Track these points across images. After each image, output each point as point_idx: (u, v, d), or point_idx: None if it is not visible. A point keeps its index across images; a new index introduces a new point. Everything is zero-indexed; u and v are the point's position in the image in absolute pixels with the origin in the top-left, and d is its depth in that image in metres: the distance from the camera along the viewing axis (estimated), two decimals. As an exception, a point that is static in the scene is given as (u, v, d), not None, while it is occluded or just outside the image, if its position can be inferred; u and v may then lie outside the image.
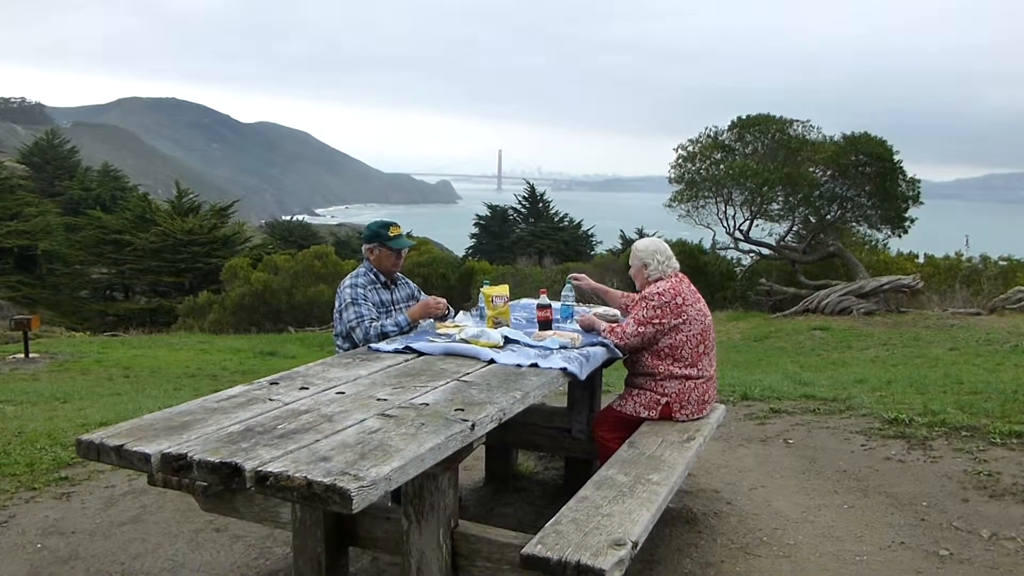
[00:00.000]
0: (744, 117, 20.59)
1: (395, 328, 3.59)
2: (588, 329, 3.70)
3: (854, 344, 10.72)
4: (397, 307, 3.75)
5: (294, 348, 13.66)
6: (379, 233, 3.71)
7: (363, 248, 3.82)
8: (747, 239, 20.22)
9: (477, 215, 43.52)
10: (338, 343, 3.82)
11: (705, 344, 3.54)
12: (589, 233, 40.16)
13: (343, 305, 3.63)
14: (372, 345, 3.34)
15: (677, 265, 3.62)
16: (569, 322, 3.81)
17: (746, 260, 21.70)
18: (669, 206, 20.63)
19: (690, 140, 20.83)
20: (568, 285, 4.01)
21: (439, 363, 3.09)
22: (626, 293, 3.99)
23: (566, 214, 42.68)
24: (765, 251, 20.51)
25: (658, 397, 3.48)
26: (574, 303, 4.07)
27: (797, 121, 20.39)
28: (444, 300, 3.74)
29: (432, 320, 3.73)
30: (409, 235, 3.73)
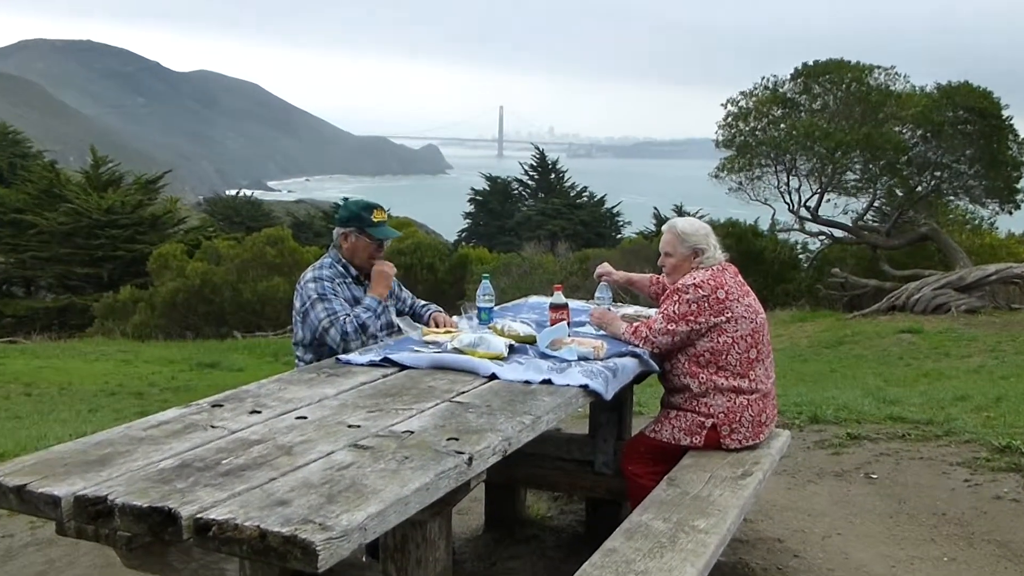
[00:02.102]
0: (811, 64, 20.73)
1: (370, 315, 3.65)
2: (601, 326, 3.73)
3: (953, 351, 10.78)
4: None
5: (241, 359, 13.76)
6: (360, 216, 3.79)
7: (335, 232, 3.87)
8: (815, 218, 20.36)
9: (472, 189, 43.59)
10: (298, 353, 3.84)
11: (758, 349, 3.56)
12: (614, 211, 40.97)
13: (307, 303, 3.68)
14: (341, 357, 3.36)
15: (724, 257, 3.69)
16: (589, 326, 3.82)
17: (814, 245, 21.83)
18: (716, 176, 20.74)
19: (742, 93, 20.87)
20: (603, 287, 4.06)
21: (427, 379, 3.10)
22: (657, 277, 4.04)
23: (585, 187, 43.03)
24: (839, 233, 20.64)
25: (701, 419, 3.52)
26: (609, 305, 4.10)
27: (878, 68, 20.50)
28: (392, 265, 3.83)
29: (416, 325, 3.75)
30: (381, 206, 3.88)
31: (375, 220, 3.80)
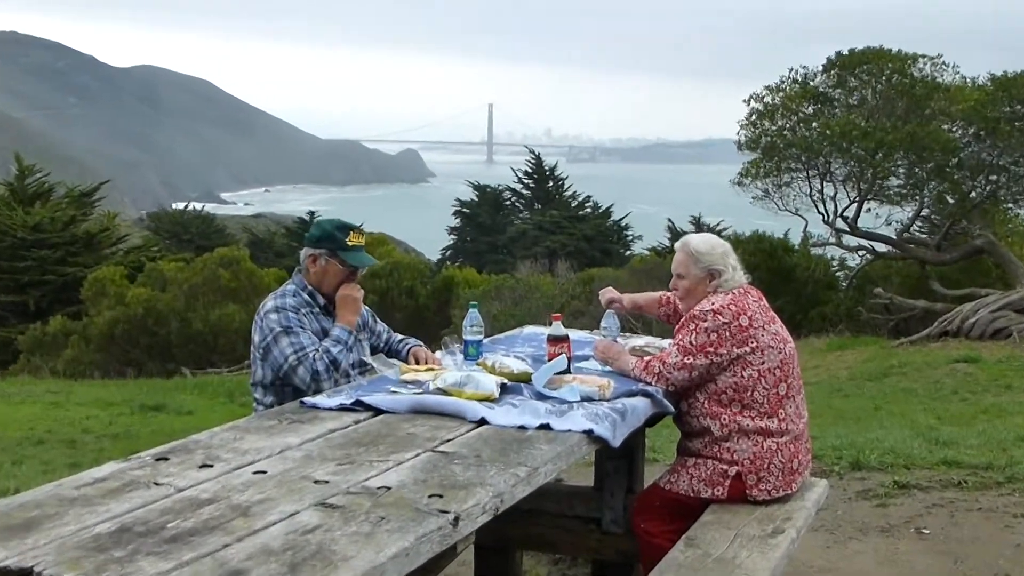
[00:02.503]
0: (847, 52, 20.90)
1: (341, 349, 3.67)
2: (608, 361, 3.76)
3: (1016, 383, 10.84)
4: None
5: (190, 400, 13.74)
6: (332, 236, 3.83)
7: (302, 254, 3.92)
8: (854, 230, 20.46)
9: (458, 200, 43.91)
10: (257, 395, 3.85)
11: (788, 383, 3.59)
12: (622, 224, 41.46)
13: (269, 337, 3.70)
14: (306, 400, 3.36)
15: (745, 279, 3.74)
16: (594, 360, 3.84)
17: (854, 261, 21.95)
18: (739, 183, 20.85)
19: (768, 88, 20.96)
20: (609, 315, 4.09)
21: (405, 425, 3.10)
22: (667, 296, 4.11)
23: (588, 197, 43.43)
24: (881, 247, 20.75)
25: (724, 467, 3.55)
26: (617, 336, 4.13)
27: (924, 57, 20.67)
28: (359, 288, 3.88)
29: (392, 361, 3.76)
30: (359, 228, 3.93)
31: (350, 243, 3.83)
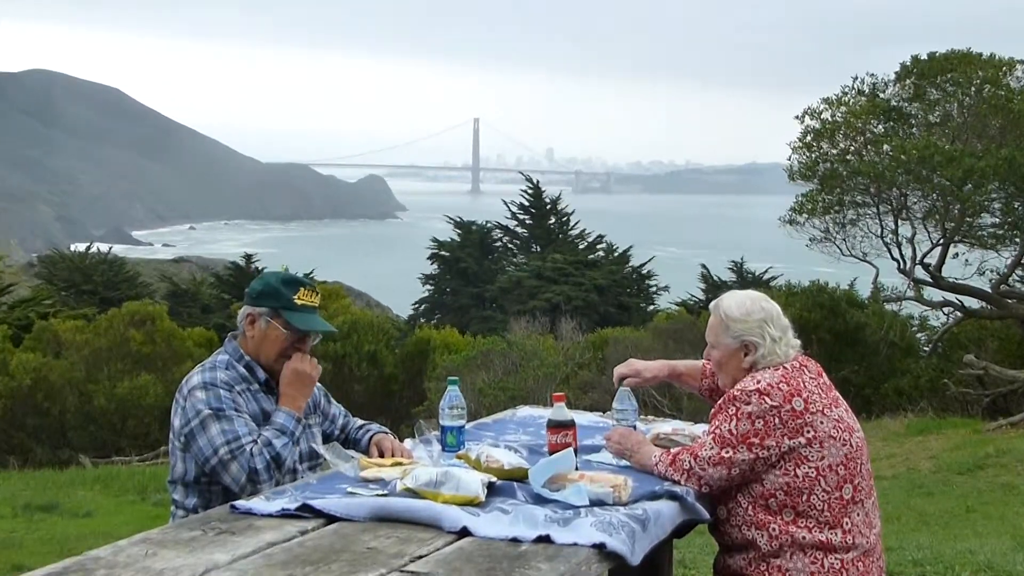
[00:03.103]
0: (926, 57, 20.94)
1: (285, 442, 3.67)
2: (624, 453, 3.76)
3: None
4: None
5: (90, 498, 13.59)
6: (277, 293, 3.86)
7: (240, 314, 3.92)
8: (938, 281, 20.46)
9: (435, 240, 43.99)
10: (176, 496, 3.81)
11: (854, 484, 3.61)
12: (644, 272, 41.36)
13: (194, 422, 3.68)
14: (239, 504, 3.33)
15: (797, 344, 3.75)
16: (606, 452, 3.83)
17: (938, 320, 21.95)
18: (790, 221, 20.92)
19: (827, 101, 20.90)
20: (624, 394, 4.08)
21: (365, 537, 3.07)
22: (707, 363, 4.15)
23: (600, 236, 43.41)
24: (972, 302, 20.67)
25: None
26: (635, 421, 4.11)
27: (1022, 63, 20.70)
28: (315, 363, 3.87)
29: (351, 453, 3.73)
30: (313, 284, 3.98)
31: (299, 302, 3.84)
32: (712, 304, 3.84)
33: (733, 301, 3.78)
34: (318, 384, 3.97)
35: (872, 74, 21.34)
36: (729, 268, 37.11)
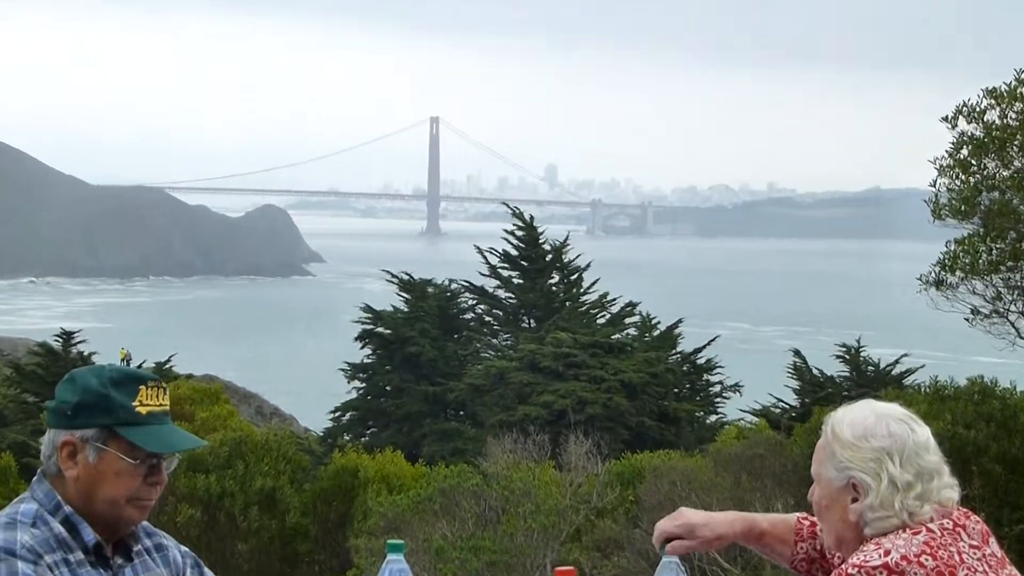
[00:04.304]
0: None
1: None
2: None
3: None
4: None
5: None
6: (107, 401, 3.15)
7: (49, 443, 3.15)
8: None
9: (368, 309, 36.79)
10: None
11: None
12: (701, 362, 35.58)
13: None
14: None
15: (952, 491, 3.03)
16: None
17: None
18: (936, 283, 17.81)
19: (992, 93, 17.61)
20: (668, 566, 3.43)
21: None
22: (810, 520, 3.48)
23: (632, 304, 37.07)
24: None
25: None
26: None
27: None
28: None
29: None
30: (156, 379, 2.56)
31: (143, 410, 3.15)
32: (829, 427, 3.10)
33: (850, 415, 3.08)
34: (180, 547, 3.39)
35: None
36: (838, 356, 30.25)
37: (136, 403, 3.13)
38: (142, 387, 3.16)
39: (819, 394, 28.91)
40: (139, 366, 42.23)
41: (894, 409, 3.10)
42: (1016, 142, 17.60)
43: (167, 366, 34.91)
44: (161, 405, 3.20)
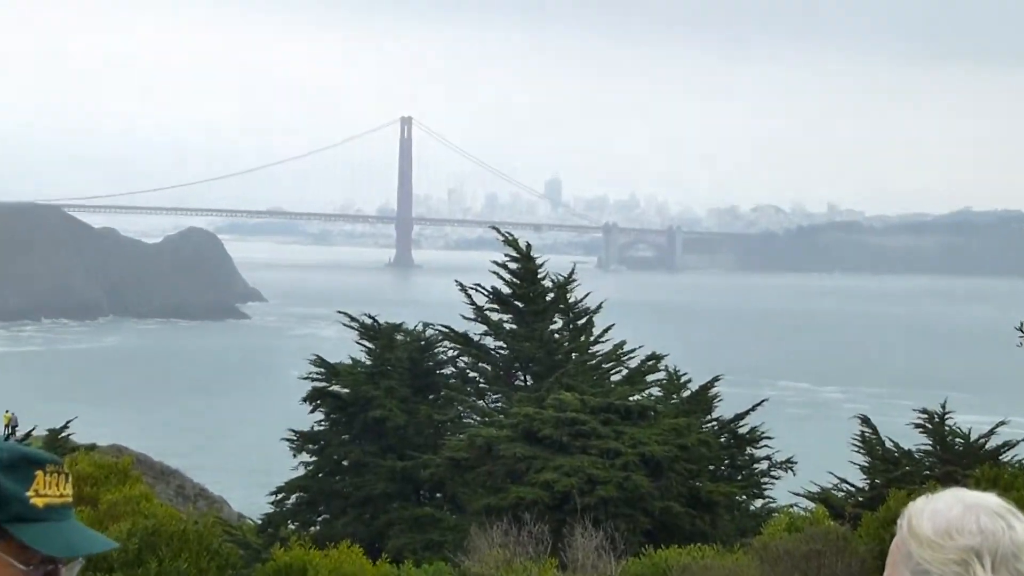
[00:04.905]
0: None
1: None
2: None
3: None
4: None
5: None
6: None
7: None
8: None
9: (318, 362, 31.37)
10: None
11: None
12: (743, 431, 29.83)
13: None
14: None
15: None
16: None
17: None
18: None
19: None
20: None
21: None
22: None
23: (655, 356, 31.05)
24: None
25: None
26: None
27: None
28: None
29: None
30: (57, 463, 2.29)
31: (40, 502, 2.82)
32: (903, 510, 2.86)
33: (931, 506, 2.79)
34: None
35: None
36: (918, 424, 26.61)
37: (31, 493, 2.79)
38: (39, 472, 2.82)
39: (893, 473, 26.88)
40: (26, 435, 37.02)
41: (987, 499, 2.77)
42: None
43: (63, 434, 31.33)
44: (62, 496, 2.88)
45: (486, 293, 32.71)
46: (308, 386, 31.50)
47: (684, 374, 31.84)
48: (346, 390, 30.98)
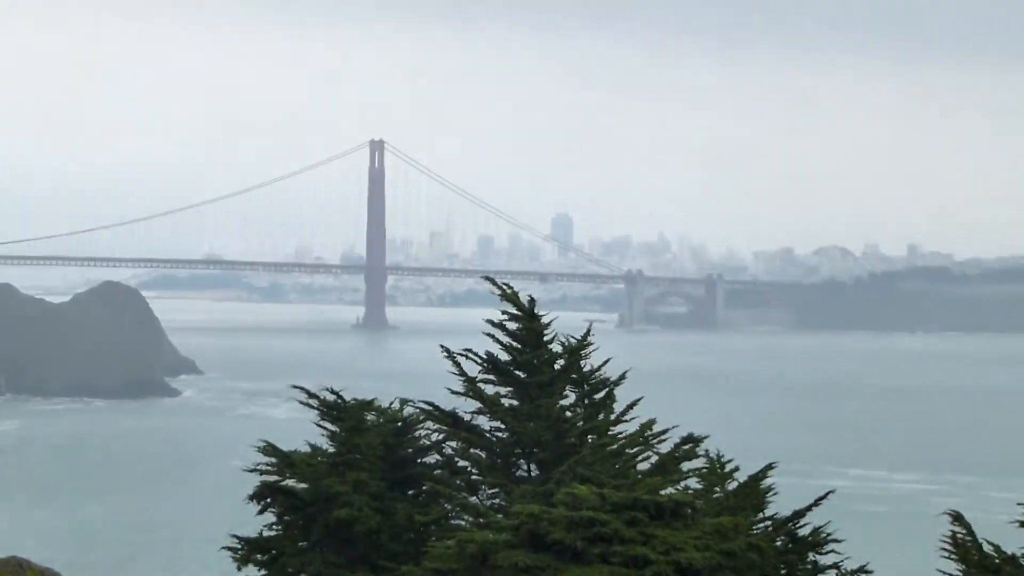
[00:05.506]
0: None
1: None
2: None
3: None
4: None
5: None
6: None
7: None
8: None
9: (269, 447, 28.16)
10: None
11: None
12: (803, 532, 24.48)
13: None
14: None
15: None
16: None
17: None
18: None
19: None
20: None
21: None
22: None
23: (693, 437, 27.20)
24: None
25: None
26: None
27: None
28: None
29: None
30: None
31: None
32: None
33: None
34: None
35: None
36: (1022, 520, 20.44)
37: None
38: None
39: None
40: None
41: None
42: None
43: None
44: None
45: (479, 361, 26.98)
46: (255, 480, 26.28)
47: (729, 460, 26.68)
48: (303, 485, 25.75)
